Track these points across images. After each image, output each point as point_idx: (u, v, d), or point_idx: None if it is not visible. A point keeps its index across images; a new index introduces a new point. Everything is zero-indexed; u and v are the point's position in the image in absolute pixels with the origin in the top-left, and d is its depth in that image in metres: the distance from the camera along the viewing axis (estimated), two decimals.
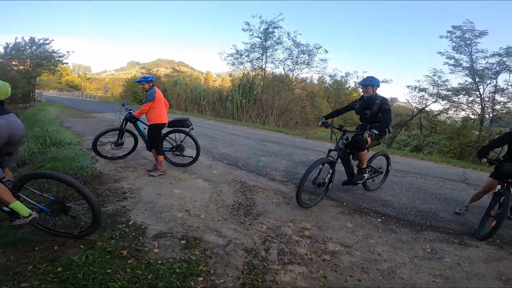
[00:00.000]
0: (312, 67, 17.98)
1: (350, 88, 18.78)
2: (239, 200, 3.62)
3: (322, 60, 17.65)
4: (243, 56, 18.74)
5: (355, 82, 17.99)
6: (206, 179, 4.30)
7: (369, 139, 3.56)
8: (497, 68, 13.15)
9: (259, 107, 15.91)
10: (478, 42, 13.41)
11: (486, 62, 13.46)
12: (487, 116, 13.46)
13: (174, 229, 2.75)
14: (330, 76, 18.83)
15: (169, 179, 4.15)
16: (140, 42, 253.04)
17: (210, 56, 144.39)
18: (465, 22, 13.40)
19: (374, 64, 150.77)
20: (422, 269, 2.51)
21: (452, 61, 14.19)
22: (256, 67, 18.73)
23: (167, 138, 4.63)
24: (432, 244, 2.97)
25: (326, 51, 17.49)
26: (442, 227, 3.41)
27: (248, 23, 17.60)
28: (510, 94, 13.12)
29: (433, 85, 14.78)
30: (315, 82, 24.54)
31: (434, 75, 14.82)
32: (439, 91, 14.70)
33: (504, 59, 12.84)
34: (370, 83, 3.76)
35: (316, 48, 17.25)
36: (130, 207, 3.13)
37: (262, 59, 18.32)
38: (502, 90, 13.25)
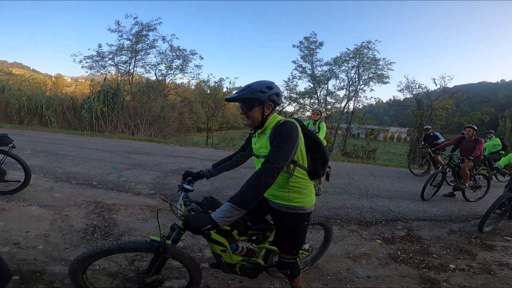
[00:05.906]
0: (186, 72, 17.65)
1: (224, 92, 19.38)
2: (94, 222, 3.07)
3: (196, 66, 17.51)
4: (106, 59, 16.36)
5: (227, 88, 19.11)
6: (44, 204, 3.40)
7: None
8: (328, 75, 17.28)
9: (126, 116, 14.05)
10: (318, 52, 17.05)
11: (322, 70, 17.33)
12: (323, 115, 17.43)
13: None
14: (203, 81, 19.15)
15: None
16: None
17: (65, 57, 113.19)
18: (311, 34, 16.65)
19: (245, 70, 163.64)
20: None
21: (300, 69, 17.54)
22: (123, 71, 16.76)
23: None
24: None
25: (202, 58, 17.47)
26: None
27: (118, 23, 15.65)
28: (336, 96, 17.62)
29: (287, 90, 17.85)
30: (192, 87, 24.35)
31: (288, 81, 17.90)
32: (291, 94, 17.91)
33: (333, 67, 17.01)
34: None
35: (192, 54, 16.99)
36: None
37: (130, 63, 16.52)
38: (332, 93, 17.60)
